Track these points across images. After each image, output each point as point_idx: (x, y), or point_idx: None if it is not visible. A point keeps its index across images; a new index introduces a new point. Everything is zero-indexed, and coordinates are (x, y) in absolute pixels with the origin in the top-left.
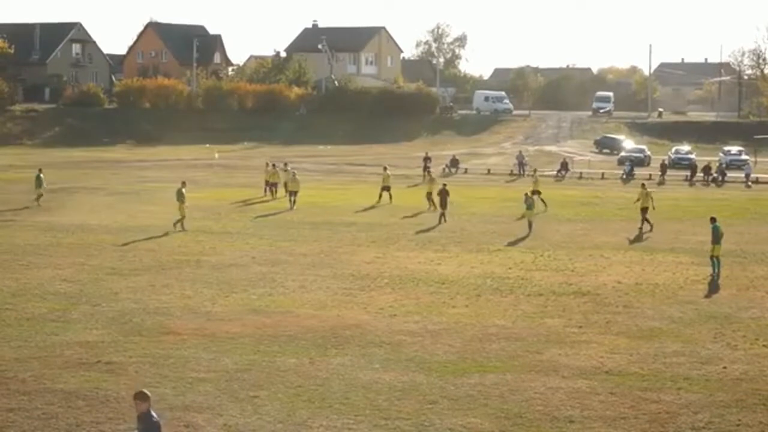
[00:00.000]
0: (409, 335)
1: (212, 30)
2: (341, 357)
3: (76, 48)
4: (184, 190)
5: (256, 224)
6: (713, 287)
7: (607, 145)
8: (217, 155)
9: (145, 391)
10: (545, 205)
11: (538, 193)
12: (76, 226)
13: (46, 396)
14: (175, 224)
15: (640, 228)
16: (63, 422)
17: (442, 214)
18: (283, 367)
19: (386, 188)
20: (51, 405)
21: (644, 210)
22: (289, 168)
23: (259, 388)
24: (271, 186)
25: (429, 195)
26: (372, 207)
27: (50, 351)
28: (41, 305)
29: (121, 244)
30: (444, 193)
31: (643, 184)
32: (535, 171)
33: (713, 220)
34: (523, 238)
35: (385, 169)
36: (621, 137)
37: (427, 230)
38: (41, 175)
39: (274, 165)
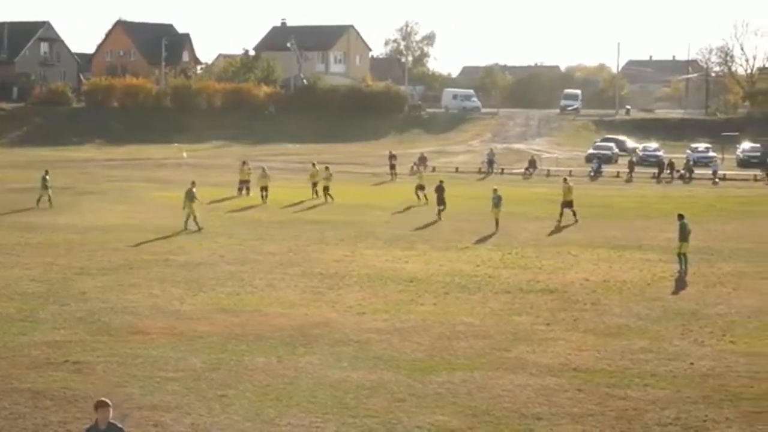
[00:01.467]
0: (377, 333)
1: (181, 29)
2: (309, 355)
3: (44, 47)
4: (194, 189)
5: (224, 223)
6: (680, 284)
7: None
8: (185, 154)
9: (106, 399)
10: (426, 201)
11: (422, 188)
12: (44, 225)
13: (13, 396)
14: (186, 223)
15: (558, 221)
16: (30, 422)
17: (440, 211)
18: (251, 366)
19: (315, 184)
20: (18, 405)
21: (568, 204)
22: (249, 167)
23: (227, 387)
24: (244, 184)
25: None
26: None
27: (18, 351)
28: (9, 305)
29: (89, 243)
30: (440, 190)
31: (565, 179)
32: (419, 168)
33: (681, 217)
34: (490, 236)
35: (314, 165)
36: (623, 138)
37: (409, 227)
38: (47, 177)
39: (244, 162)
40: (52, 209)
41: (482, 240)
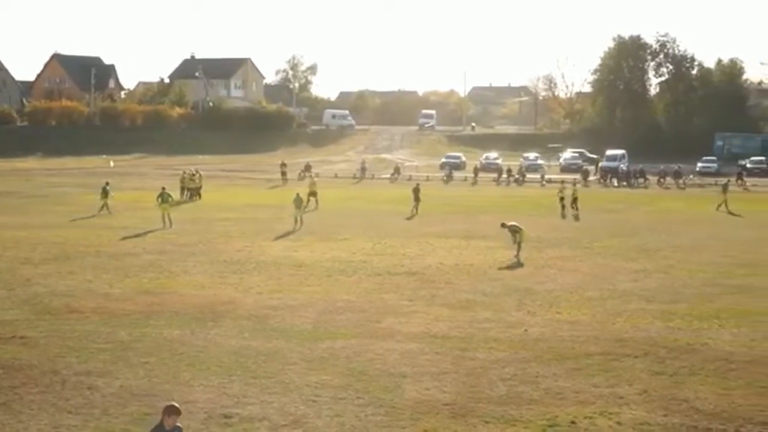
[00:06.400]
0: (273, 309)
1: (107, 60)
2: (217, 328)
3: None
4: (168, 192)
5: (145, 221)
6: (516, 266)
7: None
8: (112, 164)
9: (178, 406)
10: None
11: (314, 194)
12: None
13: None
14: (169, 224)
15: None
16: None
17: (415, 207)
18: (169, 337)
19: (191, 189)
20: None
21: (314, 194)
22: (191, 172)
23: (149, 355)
24: (187, 190)
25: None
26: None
27: None
28: None
29: (33, 238)
30: (417, 191)
31: (310, 176)
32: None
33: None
34: (363, 229)
35: (184, 172)
36: (583, 150)
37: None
38: (107, 188)
39: (187, 172)
40: (110, 215)
41: (356, 233)
